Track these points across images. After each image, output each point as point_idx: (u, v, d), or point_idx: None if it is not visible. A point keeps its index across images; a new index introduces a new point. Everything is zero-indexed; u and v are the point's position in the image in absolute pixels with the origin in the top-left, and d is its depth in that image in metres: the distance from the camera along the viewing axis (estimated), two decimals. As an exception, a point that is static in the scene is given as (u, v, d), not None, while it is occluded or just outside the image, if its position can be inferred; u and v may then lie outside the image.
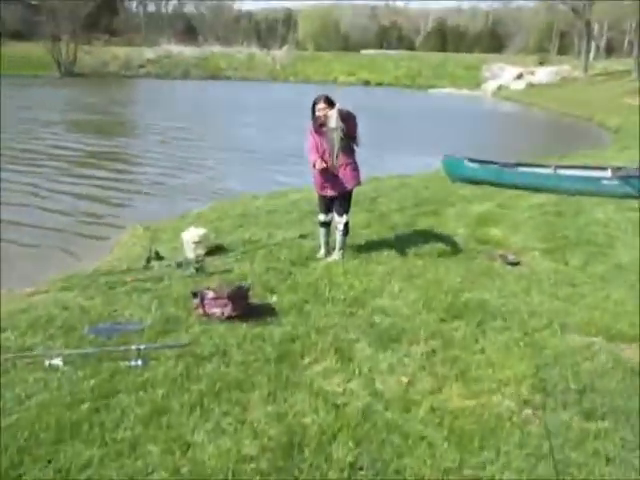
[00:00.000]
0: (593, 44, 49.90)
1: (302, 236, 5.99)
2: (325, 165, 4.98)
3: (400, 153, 14.66)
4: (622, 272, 5.13)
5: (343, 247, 5.40)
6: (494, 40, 79.12)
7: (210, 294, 4.01)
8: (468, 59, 55.72)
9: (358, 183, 5.21)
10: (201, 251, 5.49)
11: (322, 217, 5.41)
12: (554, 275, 5.02)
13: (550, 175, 8.57)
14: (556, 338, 3.78)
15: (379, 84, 46.20)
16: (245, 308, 4.06)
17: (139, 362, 3.41)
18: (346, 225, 5.30)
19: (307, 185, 8.96)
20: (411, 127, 21.09)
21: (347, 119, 4.85)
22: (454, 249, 5.69)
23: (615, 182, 8.03)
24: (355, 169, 5.18)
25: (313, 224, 6.55)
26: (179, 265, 5.13)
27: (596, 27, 52.72)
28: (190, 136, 17.09)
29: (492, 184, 8.91)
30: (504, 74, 48.08)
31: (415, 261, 5.31)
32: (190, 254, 5.49)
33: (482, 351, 3.60)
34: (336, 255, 5.37)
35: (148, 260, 5.38)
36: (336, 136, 4.79)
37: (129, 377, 3.28)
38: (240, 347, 3.64)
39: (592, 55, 47.53)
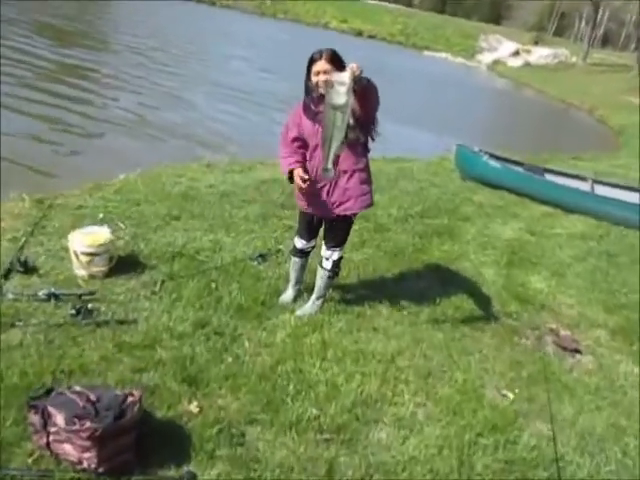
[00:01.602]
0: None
1: (263, 256, 3.98)
2: (305, 180, 2.99)
3: (394, 122, 12.55)
4: None
5: (324, 295, 3.44)
6: (493, 9, 76.34)
7: (59, 418, 2.01)
8: (466, 26, 52.98)
9: (367, 205, 3.21)
10: (100, 267, 3.43)
11: (300, 243, 3.41)
12: (646, 394, 3.22)
13: (588, 195, 6.74)
14: None
15: (372, 37, 43.13)
16: (126, 450, 2.08)
17: None
18: (337, 264, 3.33)
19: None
20: (407, 92, 18.88)
21: (365, 93, 2.79)
22: (485, 313, 3.81)
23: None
24: (365, 181, 3.16)
25: (283, 229, 4.58)
26: (51, 297, 3.07)
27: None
28: (171, 62, 14.56)
29: (513, 192, 7.05)
30: (501, 48, 46.05)
31: (432, 334, 3.41)
32: (80, 271, 3.42)
33: None
34: (311, 307, 3.40)
35: (7, 274, 3.30)
36: (339, 120, 2.66)
37: None
38: None
39: (585, 42, 45.43)
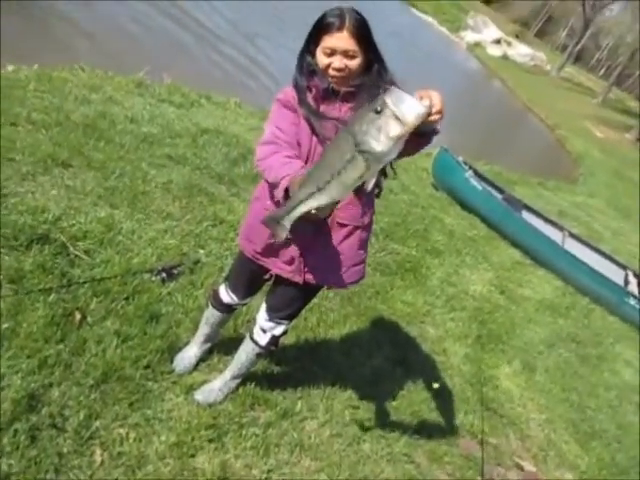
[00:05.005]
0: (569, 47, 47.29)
1: (169, 270, 2.70)
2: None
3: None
4: None
5: (243, 375, 2.28)
6: (488, -11, 74.61)
7: None
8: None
9: (358, 280, 2.02)
10: None
11: (228, 297, 2.16)
12: None
13: (560, 251, 5.90)
14: None
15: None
16: None
17: None
18: (276, 341, 2.15)
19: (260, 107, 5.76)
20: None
21: (420, 143, 1.55)
22: (447, 430, 2.83)
23: (643, 309, 5.62)
24: (364, 245, 1.97)
25: (211, 222, 3.34)
26: None
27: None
28: None
29: (486, 222, 6.12)
30: (485, 31, 44.96)
31: (378, 464, 2.37)
32: None
33: None
34: (219, 390, 2.23)
35: None
36: (354, 172, 1.37)
37: None
38: None
39: (565, 55, 45.37)
